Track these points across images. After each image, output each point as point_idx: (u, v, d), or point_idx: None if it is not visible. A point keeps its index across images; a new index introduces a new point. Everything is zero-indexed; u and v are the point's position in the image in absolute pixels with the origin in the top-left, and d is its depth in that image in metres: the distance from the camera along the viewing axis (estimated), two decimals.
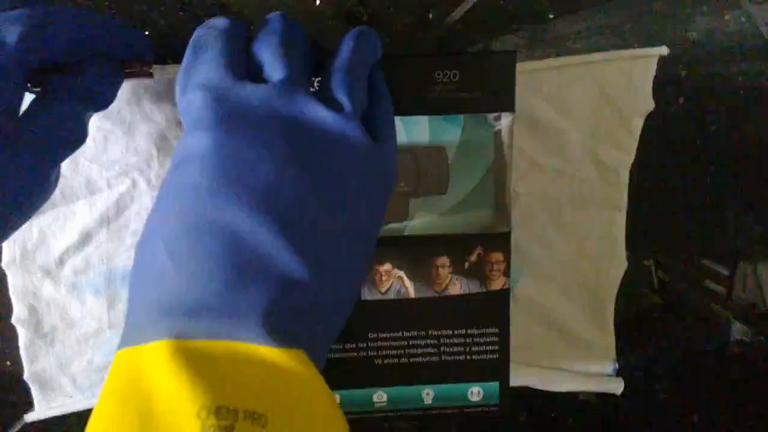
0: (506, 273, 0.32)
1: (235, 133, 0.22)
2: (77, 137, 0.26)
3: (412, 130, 0.32)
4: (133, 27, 0.28)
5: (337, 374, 0.32)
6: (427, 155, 0.32)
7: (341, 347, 0.32)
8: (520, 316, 0.36)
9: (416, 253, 0.31)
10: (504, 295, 0.32)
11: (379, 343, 0.32)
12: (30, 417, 0.37)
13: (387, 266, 0.31)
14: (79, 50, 0.26)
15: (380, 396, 0.33)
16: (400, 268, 0.32)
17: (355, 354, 0.32)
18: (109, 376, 0.21)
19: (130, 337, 0.21)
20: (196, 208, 0.21)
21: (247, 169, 0.22)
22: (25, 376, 0.36)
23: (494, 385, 0.33)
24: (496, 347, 0.33)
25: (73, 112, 0.26)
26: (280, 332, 0.21)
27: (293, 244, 0.22)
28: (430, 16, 0.34)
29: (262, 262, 0.21)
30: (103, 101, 0.27)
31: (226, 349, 0.20)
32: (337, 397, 0.33)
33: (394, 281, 0.32)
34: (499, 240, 0.31)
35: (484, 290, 0.32)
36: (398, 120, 0.32)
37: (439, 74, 0.29)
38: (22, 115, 0.25)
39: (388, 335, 0.32)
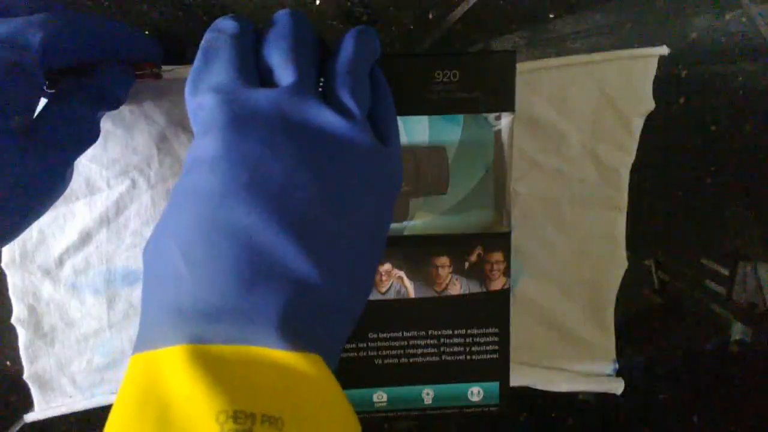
0: (506, 273, 0.32)
1: (245, 136, 0.22)
2: (90, 136, 0.27)
3: (412, 130, 0.32)
4: (144, 33, 0.29)
5: (337, 374, 0.32)
6: (427, 155, 0.32)
7: None
8: (520, 316, 0.36)
9: (416, 253, 0.31)
10: (504, 295, 0.32)
11: (379, 343, 0.32)
12: (30, 417, 0.37)
13: (387, 266, 0.31)
14: (94, 54, 0.26)
15: (380, 396, 0.33)
16: (400, 268, 0.32)
17: (355, 354, 0.32)
18: (124, 381, 0.21)
19: (145, 341, 0.21)
20: (208, 210, 0.22)
21: (258, 173, 0.22)
22: (25, 376, 0.36)
23: (494, 385, 0.33)
24: (496, 347, 0.33)
25: (86, 112, 0.27)
26: (294, 336, 0.21)
27: (304, 247, 0.22)
28: (430, 16, 0.34)
29: (275, 264, 0.21)
30: (114, 101, 0.28)
31: (242, 353, 0.20)
32: None
33: (394, 281, 0.32)
34: (499, 240, 0.31)
35: (484, 290, 0.32)
36: (398, 120, 0.32)
37: (439, 74, 0.29)
38: (37, 115, 0.25)
39: (388, 335, 0.32)
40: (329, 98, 0.25)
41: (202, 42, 0.25)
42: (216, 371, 0.20)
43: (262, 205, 0.21)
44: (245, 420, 0.19)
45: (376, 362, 0.32)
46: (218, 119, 0.23)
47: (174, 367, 0.20)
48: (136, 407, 0.20)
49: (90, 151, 0.31)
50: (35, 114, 0.25)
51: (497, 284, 0.32)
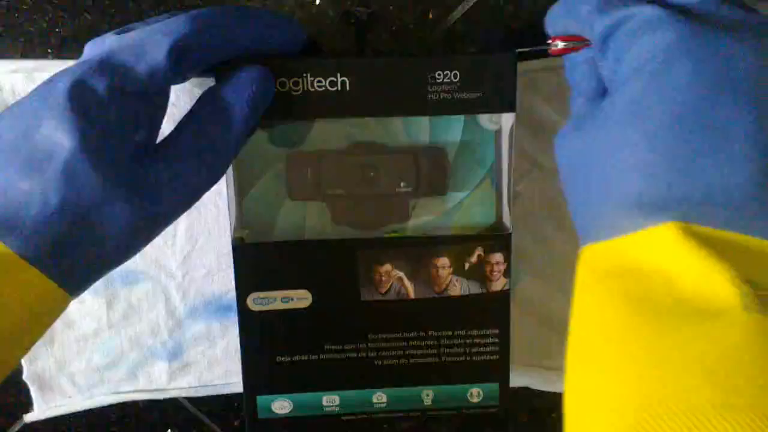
0: (507, 274, 0.32)
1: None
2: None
3: (413, 130, 0.32)
4: (285, 17, 0.29)
5: (337, 375, 0.32)
6: (427, 155, 0.32)
7: (341, 348, 0.32)
8: (520, 316, 0.36)
9: (416, 253, 0.31)
10: (504, 296, 0.32)
11: (379, 344, 0.32)
12: (29, 417, 0.37)
13: (387, 267, 0.31)
14: (231, 53, 0.27)
15: (380, 397, 0.33)
16: (400, 269, 0.31)
17: (355, 355, 0.32)
18: (582, 271, 0.24)
19: (601, 232, 0.23)
20: (685, 105, 0.21)
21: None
22: (24, 377, 0.36)
23: (494, 387, 0.33)
24: (497, 348, 0.33)
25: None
26: None
27: None
28: (430, 16, 0.34)
29: None
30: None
31: (742, 240, 0.20)
32: (337, 397, 0.33)
33: (394, 282, 0.32)
34: (499, 241, 0.31)
35: (485, 291, 0.32)
36: (398, 120, 0.32)
37: (439, 74, 0.29)
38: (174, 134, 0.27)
39: (388, 336, 0.32)
40: None
41: None
42: (716, 247, 0.20)
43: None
44: (760, 289, 0.19)
45: (376, 363, 0.32)
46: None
47: (662, 243, 0.21)
48: (612, 284, 0.22)
49: None
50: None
51: (497, 285, 0.32)
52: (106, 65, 0.24)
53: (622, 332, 0.21)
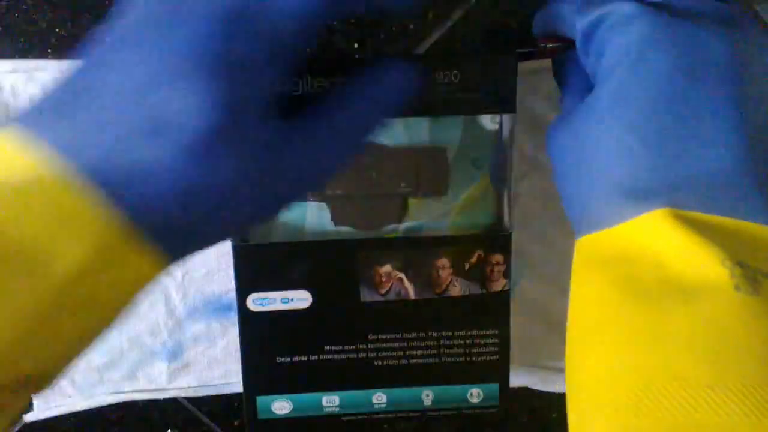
0: (506, 274, 0.32)
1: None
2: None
3: (412, 130, 0.32)
4: None
5: (337, 375, 0.32)
6: (427, 155, 0.32)
7: (341, 348, 0.32)
8: (520, 316, 0.36)
9: (416, 254, 0.31)
10: (504, 296, 0.32)
11: (379, 345, 0.32)
12: (29, 417, 0.37)
13: (387, 268, 0.31)
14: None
15: (380, 397, 0.33)
16: (399, 270, 0.31)
17: (355, 355, 0.32)
18: (579, 263, 0.24)
19: (594, 223, 0.23)
20: (664, 93, 0.22)
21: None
22: None
23: (494, 387, 0.33)
24: (496, 349, 0.32)
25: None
26: None
27: None
28: (430, 16, 0.34)
29: None
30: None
31: (730, 223, 0.21)
32: (336, 398, 0.33)
33: (394, 282, 0.32)
34: (499, 241, 0.31)
35: (484, 292, 0.32)
36: (398, 120, 0.32)
37: (439, 74, 0.29)
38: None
39: (388, 337, 0.32)
40: None
41: None
42: (702, 230, 0.20)
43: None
44: (750, 271, 0.19)
45: (376, 363, 0.32)
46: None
47: (653, 230, 0.21)
48: (607, 272, 0.22)
49: None
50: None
51: (497, 285, 0.32)
52: (240, 12, 0.19)
53: (617, 317, 0.21)
